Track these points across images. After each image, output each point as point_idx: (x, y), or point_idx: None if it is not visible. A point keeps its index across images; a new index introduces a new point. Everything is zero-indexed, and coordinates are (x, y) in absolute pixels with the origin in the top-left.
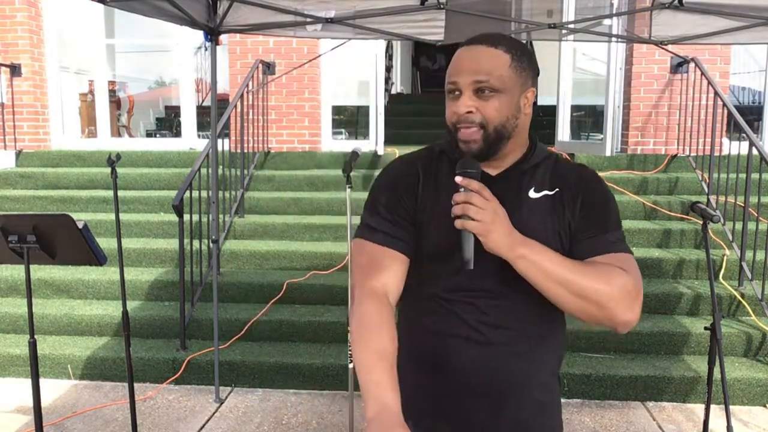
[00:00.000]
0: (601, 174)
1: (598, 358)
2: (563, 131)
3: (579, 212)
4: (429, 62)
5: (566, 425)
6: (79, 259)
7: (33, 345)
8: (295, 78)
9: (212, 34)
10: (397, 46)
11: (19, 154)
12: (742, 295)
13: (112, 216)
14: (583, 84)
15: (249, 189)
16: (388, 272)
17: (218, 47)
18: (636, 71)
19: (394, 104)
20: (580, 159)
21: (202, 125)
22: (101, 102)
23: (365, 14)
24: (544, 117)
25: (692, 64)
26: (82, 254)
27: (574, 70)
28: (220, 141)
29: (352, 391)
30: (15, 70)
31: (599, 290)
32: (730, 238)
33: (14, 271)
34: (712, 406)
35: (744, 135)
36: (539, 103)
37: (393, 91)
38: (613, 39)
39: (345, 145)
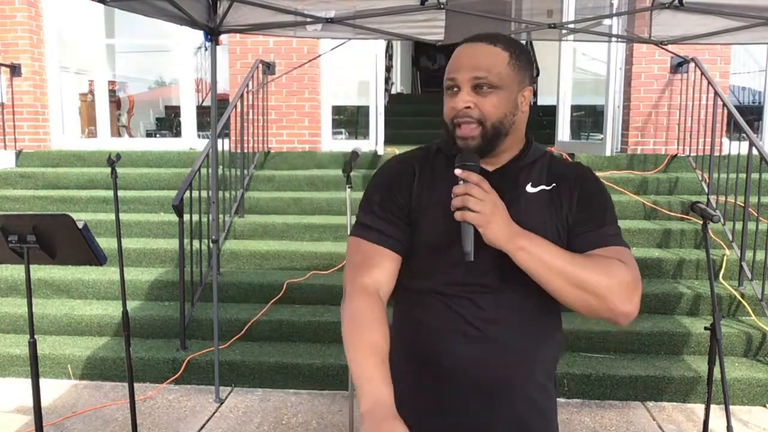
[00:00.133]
0: (601, 174)
1: (598, 358)
2: (563, 131)
3: (576, 207)
4: (429, 62)
5: (566, 425)
6: (79, 259)
7: (33, 345)
8: (295, 78)
9: (212, 34)
10: (397, 46)
11: (19, 154)
12: (742, 295)
13: (112, 216)
14: (583, 84)
15: (249, 189)
16: (379, 270)
17: (218, 47)
18: (636, 71)
19: (394, 104)
20: (580, 159)
21: (202, 125)
22: (101, 102)
23: (365, 14)
24: (544, 117)
25: (692, 64)
26: (82, 254)
27: (574, 70)
28: (220, 141)
29: (352, 391)
30: (15, 70)
31: (599, 281)
32: (730, 238)
33: (14, 271)
34: (712, 406)
35: (744, 135)
36: (539, 103)
37: (393, 91)
38: (613, 39)
39: (345, 145)
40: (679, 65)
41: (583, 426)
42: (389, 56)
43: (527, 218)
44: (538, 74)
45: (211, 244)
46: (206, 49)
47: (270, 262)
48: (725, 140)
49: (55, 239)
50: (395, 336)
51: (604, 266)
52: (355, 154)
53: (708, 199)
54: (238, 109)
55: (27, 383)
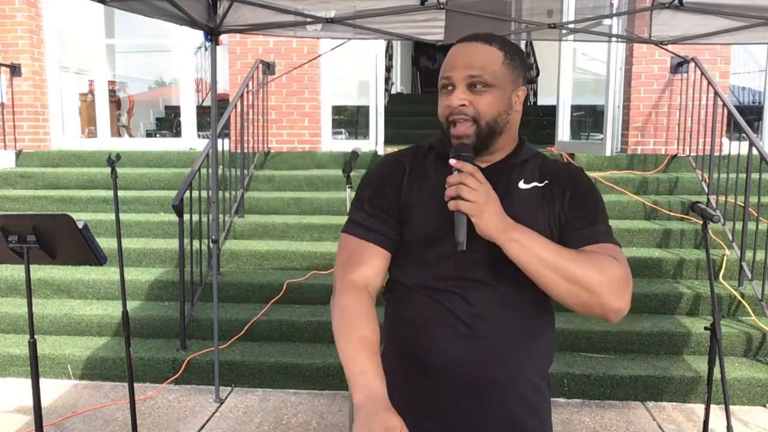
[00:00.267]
0: (600, 174)
1: (598, 358)
2: (563, 131)
3: (568, 205)
4: (429, 62)
5: (566, 425)
6: (79, 259)
7: (33, 345)
8: (295, 78)
9: (212, 34)
10: (397, 46)
11: (19, 154)
12: (742, 295)
13: (112, 216)
14: (583, 84)
15: (249, 189)
16: (368, 266)
17: (218, 47)
18: (636, 71)
19: (394, 104)
20: (580, 159)
21: (202, 125)
22: (101, 102)
23: (365, 14)
24: (544, 117)
25: (692, 64)
26: (82, 254)
27: (574, 70)
28: (220, 141)
29: None
30: (15, 70)
31: (591, 276)
32: (730, 238)
33: (14, 271)
34: (712, 406)
35: (744, 135)
36: (539, 103)
37: (393, 91)
38: (613, 39)
39: (345, 145)
40: (679, 65)
41: (583, 426)
42: (389, 56)
43: (519, 214)
44: (538, 74)
45: (211, 244)
46: (206, 49)
47: (270, 262)
48: (725, 140)
49: (55, 239)
50: (387, 332)
51: (596, 262)
52: (355, 154)
53: (708, 199)
54: (238, 109)
55: (27, 383)
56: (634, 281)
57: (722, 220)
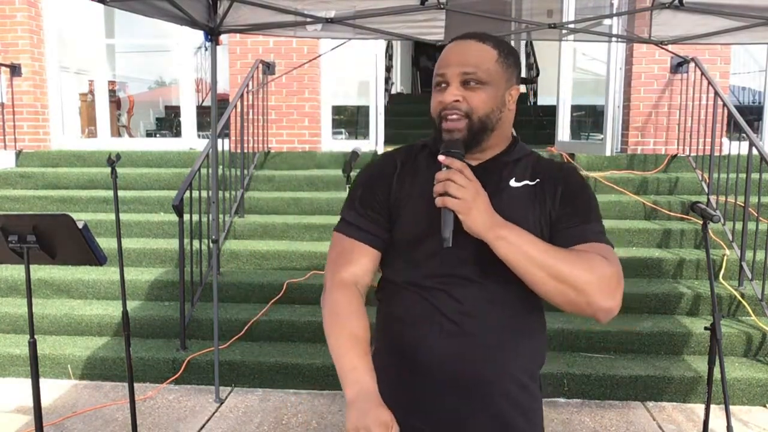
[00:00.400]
0: (601, 174)
1: (598, 358)
2: (563, 131)
3: (560, 203)
4: (429, 62)
5: (566, 425)
6: (79, 259)
7: (33, 345)
8: (295, 78)
9: (212, 34)
10: (397, 46)
11: (19, 154)
12: (742, 295)
13: (112, 216)
14: (583, 84)
15: (249, 189)
16: (356, 265)
17: (218, 47)
18: (636, 71)
19: (394, 104)
20: (580, 159)
21: (202, 125)
22: (101, 102)
23: (365, 14)
24: (544, 117)
25: (692, 64)
26: (82, 254)
27: (574, 70)
28: (220, 141)
29: None
30: (15, 70)
31: (579, 275)
32: (730, 238)
33: (14, 271)
34: (712, 406)
35: (744, 135)
36: (539, 103)
37: (393, 91)
38: (613, 39)
39: (345, 145)
40: (679, 65)
41: (583, 426)
42: (389, 56)
43: (509, 212)
44: (538, 74)
45: (211, 244)
46: (206, 49)
47: (270, 262)
48: (725, 140)
49: (55, 239)
50: (379, 331)
51: (585, 260)
52: (355, 154)
53: (708, 199)
54: (238, 109)
55: (27, 383)
56: (634, 281)
57: (722, 220)
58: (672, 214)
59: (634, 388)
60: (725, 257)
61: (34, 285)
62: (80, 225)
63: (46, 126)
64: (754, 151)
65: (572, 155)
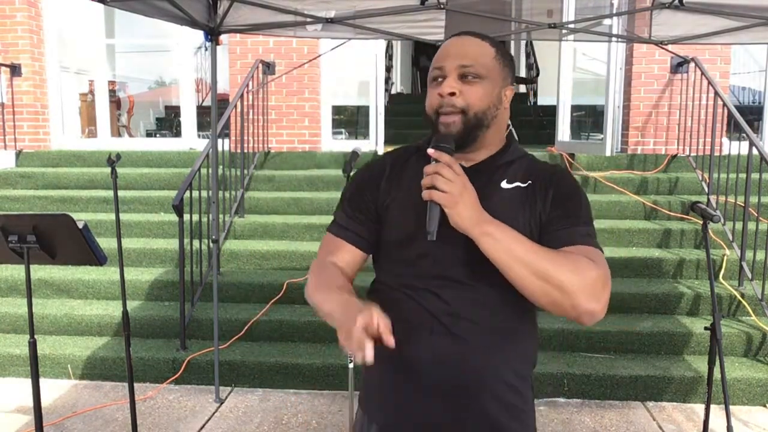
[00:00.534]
0: (601, 174)
1: (598, 358)
2: (563, 131)
3: (550, 206)
4: (429, 62)
5: (566, 425)
6: (79, 259)
7: (33, 345)
8: (295, 78)
9: (212, 34)
10: (397, 46)
11: (19, 154)
12: (742, 295)
13: (112, 216)
14: (583, 84)
15: (249, 189)
16: (341, 260)
17: (218, 47)
18: (636, 71)
19: (394, 104)
20: (580, 159)
21: (202, 125)
22: (101, 102)
23: (365, 14)
24: (544, 117)
25: (692, 64)
26: (82, 254)
27: (574, 70)
28: (220, 141)
29: (352, 391)
30: (15, 70)
31: (564, 275)
32: (730, 238)
33: (14, 271)
34: (712, 406)
35: (744, 135)
36: (539, 103)
37: (393, 91)
38: (613, 39)
39: (345, 145)
40: (679, 65)
41: (583, 426)
42: (389, 56)
43: (499, 214)
44: (538, 74)
45: (211, 244)
46: (206, 49)
47: (270, 262)
48: (725, 140)
49: (55, 239)
50: None
51: (572, 262)
52: (355, 154)
53: (708, 199)
54: (238, 109)
55: (27, 383)
56: (634, 281)
57: (722, 220)
58: (672, 214)
59: (634, 388)
60: (725, 257)
61: (34, 285)
62: (80, 225)
63: (46, 126)
64: (754, 151)
65: (572, 155)
